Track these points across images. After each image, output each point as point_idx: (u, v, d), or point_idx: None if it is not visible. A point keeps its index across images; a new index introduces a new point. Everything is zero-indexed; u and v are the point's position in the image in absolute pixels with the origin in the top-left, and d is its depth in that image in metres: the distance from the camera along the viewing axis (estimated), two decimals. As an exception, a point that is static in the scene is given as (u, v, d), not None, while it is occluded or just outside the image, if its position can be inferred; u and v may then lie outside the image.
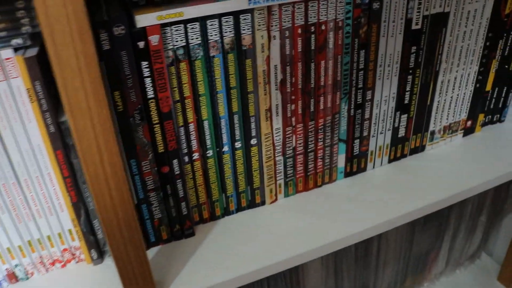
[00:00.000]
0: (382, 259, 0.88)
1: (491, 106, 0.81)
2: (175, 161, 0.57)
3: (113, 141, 0.43)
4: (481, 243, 1.04)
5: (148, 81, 0.51)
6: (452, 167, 0.74)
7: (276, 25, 0.54)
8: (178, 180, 0.58)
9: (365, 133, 0.69)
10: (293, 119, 0.62)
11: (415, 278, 0.98)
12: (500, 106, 0.82)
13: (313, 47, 0.58)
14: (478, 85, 0.76)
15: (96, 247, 0.60)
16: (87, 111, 0.41)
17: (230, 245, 0.61)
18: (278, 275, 0.79)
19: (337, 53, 0.60)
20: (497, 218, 1.02)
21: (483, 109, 0.80)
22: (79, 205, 0.56)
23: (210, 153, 0.59)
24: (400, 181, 0.71)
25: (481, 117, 0.81)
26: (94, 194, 0.45)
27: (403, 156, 0.76)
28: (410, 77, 0.67)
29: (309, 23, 0.56)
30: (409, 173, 0.73)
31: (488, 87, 0.78)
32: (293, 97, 0.60)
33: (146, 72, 0.50)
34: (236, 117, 0.58)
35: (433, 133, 0.76)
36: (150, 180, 0.57)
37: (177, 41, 0.51)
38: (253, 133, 0.60)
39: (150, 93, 0.52)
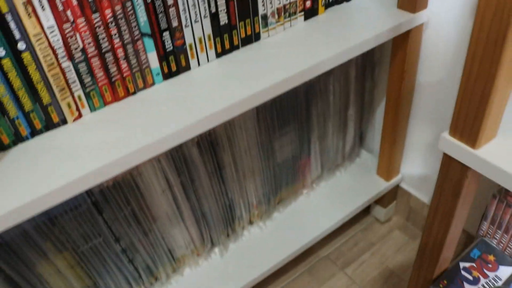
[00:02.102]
0: (241, 173, 0.80)
1: (331, -17, 0.73)
2: None
3: None
4: (356, 141, 0.98)
5: None
6: (293, 50, 0.66)
7: None
8: None
9: (174, 23, 0.59)
10: (69, 12, 0.51)
11: (290, 188, 0.92)
12: (341, -18, 0.74)
13: None
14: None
15: None
16: None
17: (25, 177, 0.51)
18: (116, 198, 0.68)
19: None
20: (369, 113, 0.96)
21: (322, -14, 0.72)
22: None
23: (-36, 66, 0.48)
24: (232, 74, 0.62)
25: (321, -4, 0.72)
26: None
27: (235, 48, 0.67)
28: (216, -50, 0.57)
29: None
30: (243, 64, 0.64)
31: (321, -41, 0.69)
32: (57, -17, 0.49)
33: None
34: (-16, 15, 0.46)
35: (265, 17, 0.67)
36: None
37: None
38: (17, 36, 0.49)
39: None
